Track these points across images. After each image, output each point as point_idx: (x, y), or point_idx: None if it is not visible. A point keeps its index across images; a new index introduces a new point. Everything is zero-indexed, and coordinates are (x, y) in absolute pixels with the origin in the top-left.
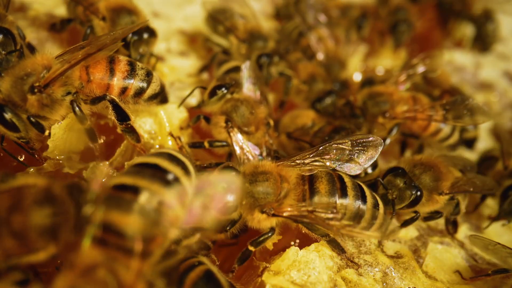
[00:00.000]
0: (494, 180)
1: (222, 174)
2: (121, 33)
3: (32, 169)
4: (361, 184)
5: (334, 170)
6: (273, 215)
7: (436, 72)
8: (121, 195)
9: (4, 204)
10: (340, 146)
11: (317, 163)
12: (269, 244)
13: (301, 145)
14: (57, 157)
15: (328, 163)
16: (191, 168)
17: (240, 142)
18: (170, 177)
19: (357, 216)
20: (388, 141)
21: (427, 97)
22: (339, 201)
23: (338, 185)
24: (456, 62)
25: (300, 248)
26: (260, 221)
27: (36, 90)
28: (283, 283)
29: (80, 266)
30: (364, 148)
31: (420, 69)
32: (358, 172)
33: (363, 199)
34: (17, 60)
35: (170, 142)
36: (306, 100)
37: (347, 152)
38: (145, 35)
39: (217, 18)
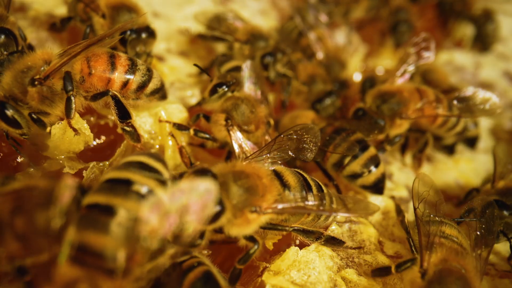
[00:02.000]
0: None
1: (194, 180)
2: (120, 28)
3: (32, 169)
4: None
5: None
6: (264, 212)
7: (430, 58)
8: (96, 215)
9: (7, 207)
10: (288, 136)
11: (278, 154)
12: (269, 244)
13: None
14: (57, 157)
15: (285, 153)
16: (165, 173)
17: (240, 141)
18: (144, 190)
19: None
20: (383, 152)
21: (431, 89)
22: (307, 193)
23: (301, 177)
24: (456, 62)
25: (300, 248)
26: (250, 222)
27: (36, 83)
28: (283, 283)
29: (59, 282)
30: (307, 135)
31: (414, 58)
32: (311, 157)
33: (321, 187)
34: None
35: (170, 142)
36: (306, 100)
37: (295, 141)
38: (144, 35)
39: (213, 27)
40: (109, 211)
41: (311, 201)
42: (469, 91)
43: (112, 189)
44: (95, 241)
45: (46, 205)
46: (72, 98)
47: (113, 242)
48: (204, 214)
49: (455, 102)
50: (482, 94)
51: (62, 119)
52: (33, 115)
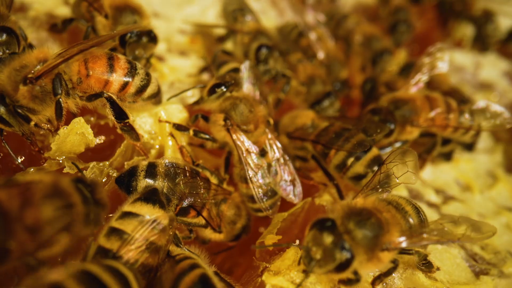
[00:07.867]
0: None
1: None
2: (120, 31)
3: (32, 169)
4: None
5: None
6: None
7: (443, 69)
8: None
9: (15, 201)
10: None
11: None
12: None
13: (302, 145)
14: (57, 158)
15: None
16: None
17: (242, 138)
18: None
19: None
20: (389, 149)
21: (441, 96)
22: None
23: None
24: (456, 62)
25: (300, 249)
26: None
27: (28, 81)
28: (283, 283)
29: None
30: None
31: (429, 68)
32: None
33: None
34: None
35: (170, 142)
36: (305, 101)
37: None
38: (144, 39)
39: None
40: None
41: None
42: (481, 103)
43: None
44: None
45: (53, 196)
46: (61, 101)
47: None
48: None
49: (466, 114)
50: (494, 108)
51: (67, 124)
52: (17, 110)
